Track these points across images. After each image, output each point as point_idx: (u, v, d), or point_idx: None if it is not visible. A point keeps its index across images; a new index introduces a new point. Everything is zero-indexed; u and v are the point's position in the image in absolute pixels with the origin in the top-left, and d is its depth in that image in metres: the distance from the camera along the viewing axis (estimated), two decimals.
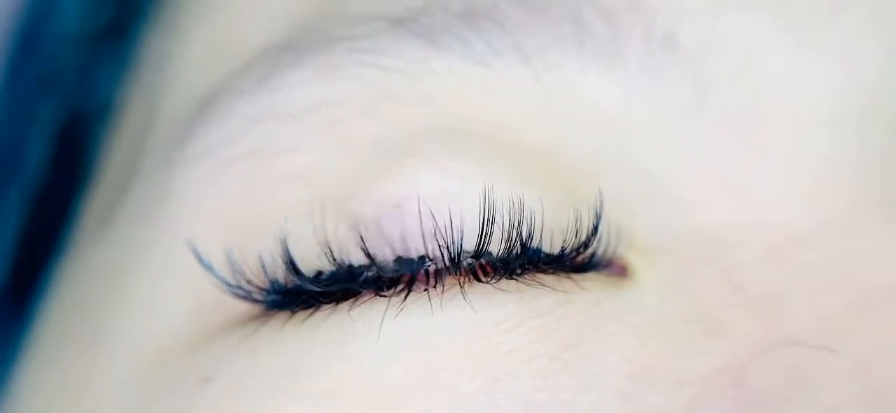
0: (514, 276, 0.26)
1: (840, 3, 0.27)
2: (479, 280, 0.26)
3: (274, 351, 0.26)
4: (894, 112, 0.27)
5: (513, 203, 0.26)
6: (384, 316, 0.26)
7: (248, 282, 0.27)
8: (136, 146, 0.31)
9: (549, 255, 0.26)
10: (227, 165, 0.28)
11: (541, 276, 0.26)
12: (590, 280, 0.26)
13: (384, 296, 0.26)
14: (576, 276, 0.26)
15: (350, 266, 0.26)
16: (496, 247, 0.26)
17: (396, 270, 0.26)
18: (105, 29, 0.33)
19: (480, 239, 0.26)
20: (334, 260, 0.26)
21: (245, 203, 0.28)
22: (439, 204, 0.26)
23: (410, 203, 0.26)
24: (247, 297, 0.27)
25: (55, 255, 0.33)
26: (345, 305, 0.26)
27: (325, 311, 0.26)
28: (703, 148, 0.27)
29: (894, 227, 0.26)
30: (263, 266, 0.27)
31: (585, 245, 0.26)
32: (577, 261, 0.26)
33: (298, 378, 0.26)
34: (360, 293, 0.26)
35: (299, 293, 0.26)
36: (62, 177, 0.34)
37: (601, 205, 0.26)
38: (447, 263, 0.26)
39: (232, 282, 0.27)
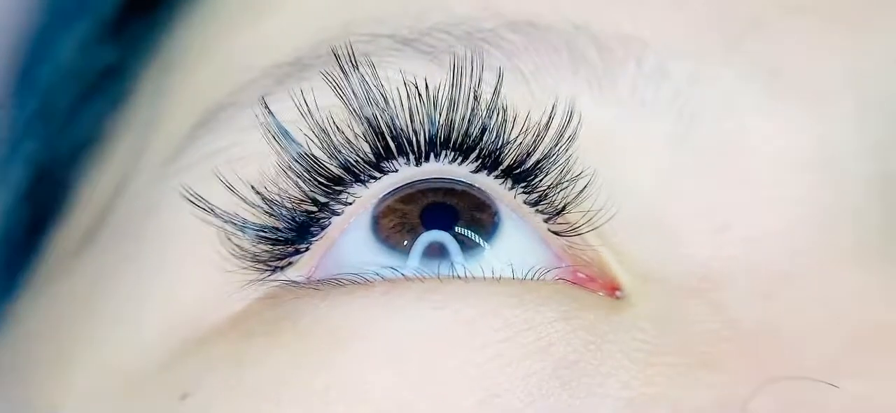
0: (476, 160, 0.27)
1: (811, 58, 0.28)
2: (447, 146, 0.27)
3: (257, 361, 0.26)
4: (867, 164, 0.28)
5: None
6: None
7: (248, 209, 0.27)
8: (120, 176, 0.31)
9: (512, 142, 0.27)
10: (222, 167, 0.28)
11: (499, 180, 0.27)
12: (589, 297, 0.27)
13: (371, 172, 0.27)
14: (547, 207, 0.27)
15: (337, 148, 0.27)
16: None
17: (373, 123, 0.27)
18: (103, 70, 0.34)
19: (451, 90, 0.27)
20: (325, 134, 0.27)
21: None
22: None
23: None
24: (245, 228, 0.27)
25: (18, 290, 0.33)
26: (338, 294, 0.27)
27: (316, 303, 0.27)
28: (689, 177, 0.28)
29: (872, 274, 0.27)
30: (257, 190, 0.27)
31: (547, 127, 0.27)
32: (538, 173, 0.27)
33: (284, 389, 0.26)
34: (357, 162, 0.27)
35: (295, 206, 0.27)
36: (35, 210, 0.34)
37: (579, 120, 0.27)
38: (424, 142, 0.27)
39: (232, 217, 0.27)
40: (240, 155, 0.28)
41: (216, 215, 0.28)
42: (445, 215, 0.28)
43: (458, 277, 0.27)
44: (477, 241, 0.28)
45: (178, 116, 0.30)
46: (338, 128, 0.27)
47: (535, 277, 0.27)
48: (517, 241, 0.28)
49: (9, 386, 0.31)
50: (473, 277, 0.27)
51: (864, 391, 0.25)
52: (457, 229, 0.28)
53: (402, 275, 0.27)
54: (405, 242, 0.28)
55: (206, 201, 0.28)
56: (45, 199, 0.34)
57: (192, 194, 0.28)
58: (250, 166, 0.28)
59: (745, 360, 0.26)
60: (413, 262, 0.28)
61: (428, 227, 0.28)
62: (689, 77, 0.28)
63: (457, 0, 0.28)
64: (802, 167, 0.28)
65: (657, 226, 0.28)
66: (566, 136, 0.27)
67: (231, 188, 0.28)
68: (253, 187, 0.28)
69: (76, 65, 0.34)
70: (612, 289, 0.28)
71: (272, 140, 0.28)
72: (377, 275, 0.27)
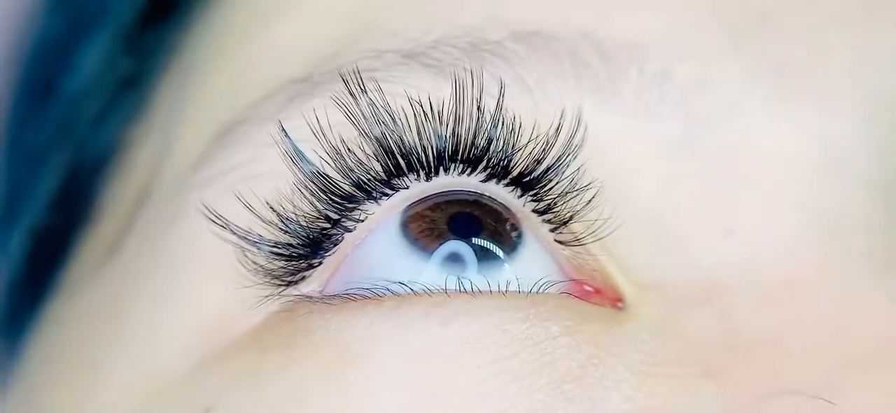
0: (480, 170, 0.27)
1: (818, 58, 0.28)
2: (455, 159, 0.27)
3: (274, 377, 0.27)
4: (873, 167, 0.28)
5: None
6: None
7: (263, 225, 0.28)
8: (143, 184, 0.32)
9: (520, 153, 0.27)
10: (240, 184, 0.29)
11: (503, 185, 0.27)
12: (591, 311, 0.27)
13: (383, 189, 0.27)
14: (551, 218, 0.28)
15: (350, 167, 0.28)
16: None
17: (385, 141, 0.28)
18: (124, 78, 0.34)
19: (455, 99, 0.27)
20: (338, 154, 0.28)
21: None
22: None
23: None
24: (260, 245, 0.28)
25: (47, 295, 0.34)
26: (347, 311, 0.27)
27: (325, 312, 0.27)
28: (695, 181, 0.28)
29: (878, 282, 0.27)
30: (273, 208, 0.28)
31: (550, 145, 0.27)
32: (540, 179, 0.28)
33: (299, 406, 0.26)
34: (370, 190, 0.28)
35: (310, 224, 0.28)
36: (64, 218, 0.34)
37: (587, 130, 0.27)
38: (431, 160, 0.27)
39: (249, 233, 0.28)
40: (257, 171, 0.29)
41: (232, 232, 0.28)
42: (471, 224, 0.29)
43: (466, 292, 0.27)
44: (495, 252, 0.28)
45: (195, 128, 0.31)
46: (349, 149, 0.28)
47: (541, 290, 0.28)
48: (531, 254, 0.28)
49: (37, 393, 0.32)
50: (480, 292, 0.27)
51: (863, 408, 0.25)
52: (475, 241, 0.28)
53: (412, 290, 0.27)
54: (431, 247, 0.28)
55: (223, 218, 0.28)
56: (73, 208, 0.34)
57: (210, 211, 0.29)
58: (267, 183, 0.28)
59: (748, 371, 0.26)
60: (433, 266, 0.28)
61: (455, 234, 0.28)
62: (694, 79, 0.28)
63: (461, 11, 0.29)
64: (809, 170, 0.28)
65: (662, 233, 0.28)
66: (574, 143, 0.28)
67: (248, 206, 0.28)
68: (269, 205, 0.28)
69: (98, 76, 0.35)
70: (616, 300, 0.28)
71: (288, 160, 0.28)
72: (387, 290, 0.28)
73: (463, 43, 0.28)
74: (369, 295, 0.28)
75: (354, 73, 0.28)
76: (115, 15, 0.35)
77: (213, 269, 0.29)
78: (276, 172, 0.28)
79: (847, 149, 0.28)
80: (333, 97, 0.28)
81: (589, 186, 0.28)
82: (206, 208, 0.29)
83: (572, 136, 0.28)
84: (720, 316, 0.27)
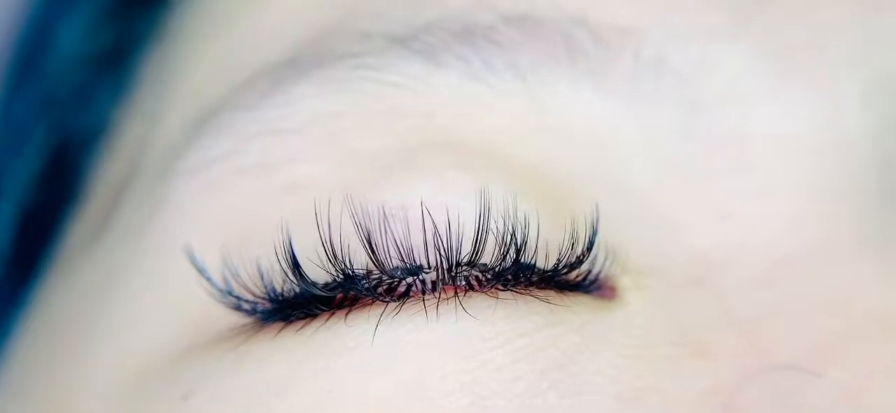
0: (509, 288, 0.26)
1: (818, 38, 0.28)
2: (472, 289, 0.26)
3: (257, 366, 0.27)
4: (871, 146, 0.28)
5: (508, 211, 0.26)
6: (376, 328, 0.26)
7: (246, 289, 0.27)
8: (130, 165, 0.31)
9: (542, 270, 0.27)
10: (225, 177, 0.28)
11: (533, 290, 0.26)
12: (579, 302, 0.27)
13: (383, 301, 0.26)
14: (569, 295, 0.27)
15: (351, 272, 0.26)
16: (490, 255, 0.26)
17: (397, 276, 0.26)
18: (105, 53, 0.34)
19: (476, 244, 0.26)
20: (335, 259, 0.26)
21: (242, 214, 0.28)
22: (437, 213, 0.26)
23: (410, 212, 0.27)
24: (240, 306, 0.27)
25: (39, 273, 0.33)
26: (339, 314, 0.26)
27: (316, 324, 0.26)
28: (691, 167, 0.28)
29: (873, 259, 0.27)
30: (261, 274, 0.27)
31: (580, 261, 0.27)
32: (569, 278, 0.27)
33: (283, 394, 0.26)
34: (357, 300, 0.26)
35: (296, 301, 0.27)
36: (51, 196, 0.34)
37: (597, 220, 0.27)
38: (444, 272, 0.26)
39: (228, 289, 0.27)
40: (241, 165, 0.28)
41: (213, 286, 0.27)
42: None
43: (459, 288, 0.27)
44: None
45: (178, 112, 0.30)
46: (358, 274, 0.27)
47: (530, 284, 0.27)
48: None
49: (34, 373, 0.31)
50: (473, 289, 0.27)
51: (851, 382, 0.25)
52: None
53: (408, 292, 0.27)
54: None
55: (208, 274, 0.27)
56: (60, 187, 0.34)
57: (189, 253, 0.28)
58: (253, 182, 0.28)
59: (739, 348, 0.26)
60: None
61: None
62: (691, 63, 0.27)
63: None
64: (807, 151, 0.27)
65: (657, 220, 0.27)
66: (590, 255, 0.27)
67: (234, 274, 0.27)
68: (259, 271, 0.27)
69: (79, 50, 0.34)
70: (609, 288, 0.27)
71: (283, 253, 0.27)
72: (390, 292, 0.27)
73: (455, 26, 0.28)
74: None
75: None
76: None
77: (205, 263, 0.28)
78: (261, 166, 0.28)
79: (845, 129, 0.27)
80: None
81: (603, 258, 0.27)
82: (192, 257, 0.28)
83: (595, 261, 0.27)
84: (714, 297, 0.27)
